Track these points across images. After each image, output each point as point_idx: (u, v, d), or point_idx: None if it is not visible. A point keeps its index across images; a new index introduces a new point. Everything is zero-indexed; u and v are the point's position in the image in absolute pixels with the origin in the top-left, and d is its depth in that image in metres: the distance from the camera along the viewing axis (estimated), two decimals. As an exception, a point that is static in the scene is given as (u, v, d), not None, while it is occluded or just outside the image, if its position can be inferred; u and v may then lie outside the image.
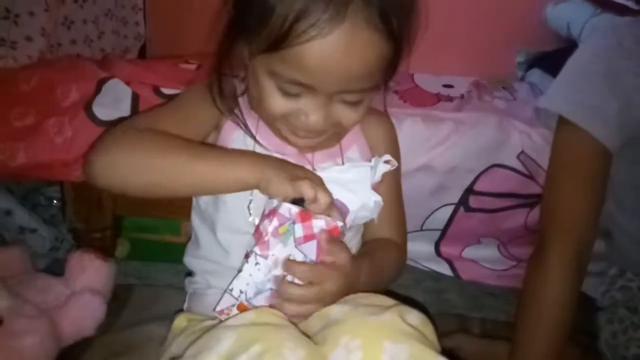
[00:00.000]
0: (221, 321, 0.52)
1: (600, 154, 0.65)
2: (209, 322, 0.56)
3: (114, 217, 0.88)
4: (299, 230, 0.51)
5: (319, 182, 0.53)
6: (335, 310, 0.51)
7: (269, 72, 0.51)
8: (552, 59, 0.94)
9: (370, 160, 0.59)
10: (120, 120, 0.77)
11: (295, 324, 0.52)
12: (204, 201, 0.62)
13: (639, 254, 0.74)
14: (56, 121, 0.76)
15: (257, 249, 0.51)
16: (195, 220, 0.64)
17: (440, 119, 0.81)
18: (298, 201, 0.51)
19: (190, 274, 0.66)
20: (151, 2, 1.08)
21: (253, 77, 0.55)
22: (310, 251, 0.52)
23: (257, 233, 0.53)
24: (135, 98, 0.78)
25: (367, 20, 0.48)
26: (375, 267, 0.59)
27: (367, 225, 0.65)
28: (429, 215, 0.84)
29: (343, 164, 0.61)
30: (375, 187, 0.56)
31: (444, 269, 0.90)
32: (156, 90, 0.78)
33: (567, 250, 0.65)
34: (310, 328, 0.52)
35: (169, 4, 1.08)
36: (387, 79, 0.57)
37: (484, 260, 0.90)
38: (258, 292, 0.52)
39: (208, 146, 0.59)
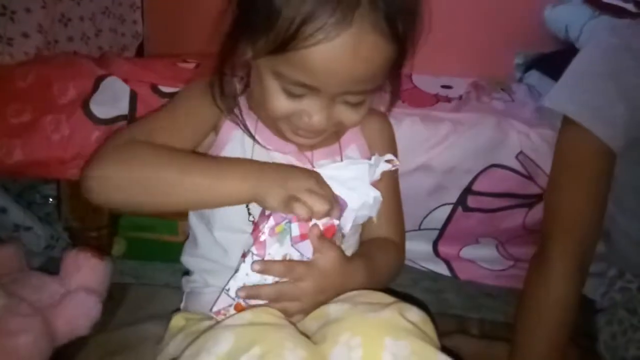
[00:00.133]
0: (219, 321, 0.52)
1: (604, 154, 0.65)
2: (207, 322, 0.55)
3: (111, 216, 0.87)
4: (296, 229, 0.51)
5: (315, 184, 0.52)
6: (334, 308, 0.51)
7: (274, 73, 0.51)
8: (550, 61, 0.95)
9: (369, 159, 0.59)
10: (118, 118, 0.77)
11: (293, 324, 0.52)
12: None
13: (638, 255, 0.74)
14: (53, 118, 0.76)
15: (253, 249, 0.51)
16: (192, 219, 0.64)
17: (438, 119, 0.81)
18: None
19: (187, 272, 0.66)
20: (149, 0, 1.08)
21: (256, 77, 0.54)
22: (307, 250, 0.52)
23: (255, 232, 0.53)
24: (133, 96, 0.77)
25: (373, 24, 0.48)
26: (374, 267, 0.59)
27: (365, 225, 0.65)
28: (427, 215, 0.84)
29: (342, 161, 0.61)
30: (375, 185, 0.56)
31: (442, 269, 0.90)
32: (154, 89, 0.78)
33: (569, 251, 0.64)
34: (308, 327, 0.52)
35: (167, 3, 1.08)
36: (389, 81, 0.58)
37: (482, 260, 0.90)
38: None
39: (202, 159, 0.57)
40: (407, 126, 0.79)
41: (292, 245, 0.51)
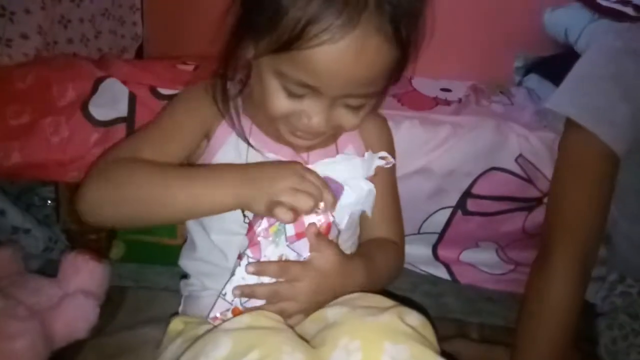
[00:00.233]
0: (217, 325, 0.52)
1: (607, 157, 0.64)
2: (206, 326, 0.55)
3: (109, 219, 0.87)
4: (291, 228, 0.50)
5: (298, 180, 0.51)
6: (333, 311, 0.51)
7: (275, 72, 0.51)
8: (549, 64, 0.95)
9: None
10: (117, 120, 0.77)
11: (292, 327, 0.52)
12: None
13: (639, 259, 0.73)
14: (52, 120, 0.75)
15: (248, 251, 0.51)
16: (189, 222, 0.64)
17: (438, 122, 0.81)
18: None
19: (185, 276, 0.65)
20: (149, 2, 1.08)
21: (257, 76, 0.54)
22: (303, 249, 0.51)
23: (250, 233, 0.52)
24: (132, 98, 0.77)
25: (378, 27, 0.48)
26: (373, 266, 0.58)
27: (364, 226, 0.65)
28: (427, 219, 0.84)
29: None
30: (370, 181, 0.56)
31: (442, 273, 0.90)
32: (153, 91, 0.78)
33: (572, 255, 0.64)
34: (307, 330, 0.52)
35: (166, 5, 1.08)
36: (391, 84, 0.57)
37: (482, 264, 0.89)
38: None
39: (184, 172, 0.56)
40: (406, 129, 0.79)
41: (287, 245, 0.51)
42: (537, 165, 0.79)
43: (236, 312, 0.52)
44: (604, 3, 0.84)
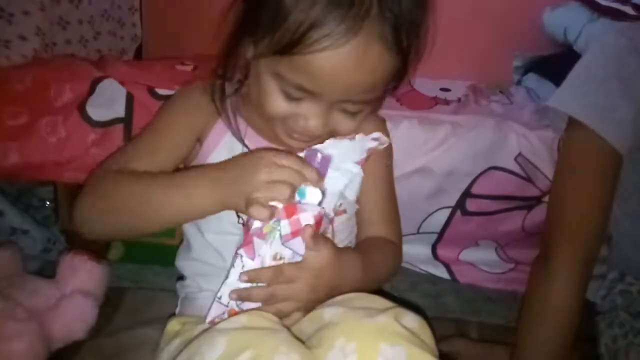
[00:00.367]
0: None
1: (610, 156, 0.64)
2: (203, 327, 0.55)
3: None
4: (286, 226, 0.49)
5: (269, 171, 0.50)
6: (330, 312, 0.51)
7: (274, 74, 0.51)
8: (548, 63, 0.94)
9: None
10: (114, 121, 0.76)
11: (288, 328, 0.51)
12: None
13: None
14: (49, 121, 0.75)
15: (242, 252, 0.50)
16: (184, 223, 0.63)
17: (437, 122, 0.80)
18: None
19: (181, 277, 0.65)
20: (148, 3, 1.08)
21: (255, 76, 0.54)
22: (299, 246, 0.51)
23: (244, 233, 0.52)
24: (129, 98, 0.77)
25: (380, 35, 0.48)
26: (370, 262, 0.58)
27: (361, 226, 0.65)
28: (426, 218, 0.83)
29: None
30: (362, 164, 0.56)
31: (441, 272, 0.90)
32: (151, 91, 0.78)
33: (573, 253, 0.63)
34: (304, 330, 0.52)
35: (166, 6, 1.08)
36: (390, 92, 0.58)
37: (481, 263, 0.89)
38: None
39: (166, 179, 0.55)
40: (406, 129, 0.79)
41: (282, 244, 0.50)
42: (536, 164, 0.78)
43: (232, 314, 0.52)
44: (604, 2, 0.84)
